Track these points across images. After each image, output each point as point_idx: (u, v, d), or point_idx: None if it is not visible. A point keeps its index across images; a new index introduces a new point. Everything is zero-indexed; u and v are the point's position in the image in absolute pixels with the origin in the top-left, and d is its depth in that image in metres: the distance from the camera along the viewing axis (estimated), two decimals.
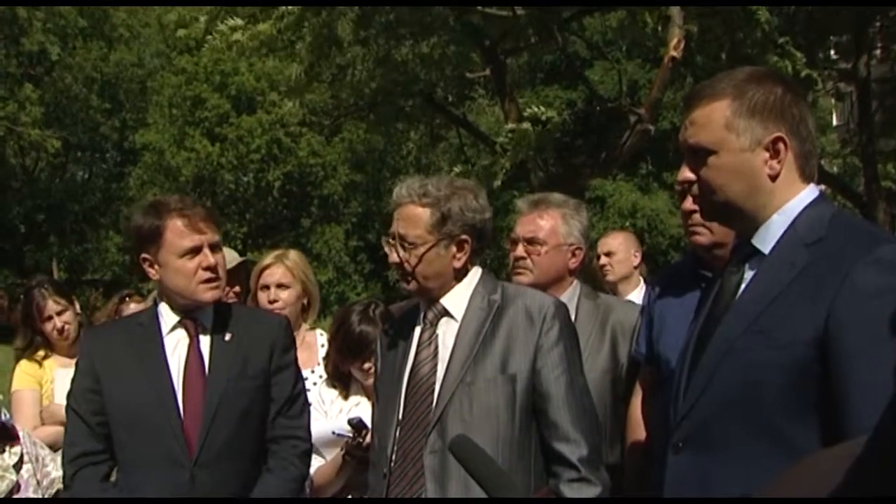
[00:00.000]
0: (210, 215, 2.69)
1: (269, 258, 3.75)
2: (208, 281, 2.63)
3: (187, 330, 2.67)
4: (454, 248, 2.43)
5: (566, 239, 3.06)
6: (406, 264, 2.43)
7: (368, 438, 3.14)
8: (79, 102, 23.51)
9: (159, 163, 23.10)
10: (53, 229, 22.97)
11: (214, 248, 2.65)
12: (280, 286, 3.67)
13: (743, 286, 1.82)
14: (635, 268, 4.94)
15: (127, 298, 5.14)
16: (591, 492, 2.32)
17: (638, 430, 2.82)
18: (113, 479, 2.68)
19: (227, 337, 2.67)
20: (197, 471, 2.55)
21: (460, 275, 2.47)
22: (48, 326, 4.08)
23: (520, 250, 3.06)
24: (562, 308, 2.47)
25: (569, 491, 2.31)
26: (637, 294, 4.71)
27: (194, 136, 22.69)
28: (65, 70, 23.02)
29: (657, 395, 2.62)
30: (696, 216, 2.28)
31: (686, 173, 1.85)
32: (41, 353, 4.11)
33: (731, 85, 1.81)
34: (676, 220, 22.43)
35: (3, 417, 4.02)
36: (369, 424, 3.15)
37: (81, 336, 3.73)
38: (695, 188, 1.86)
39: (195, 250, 2.61)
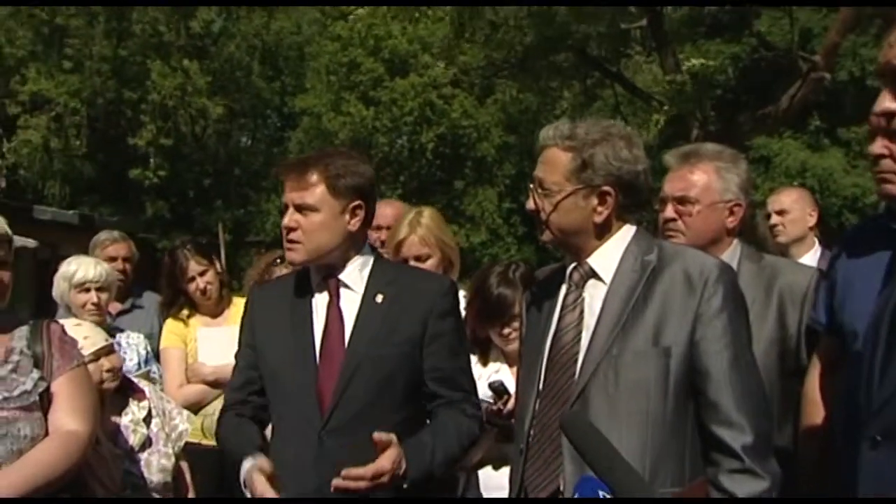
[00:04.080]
0: (301, 175, 2.49)
1: (403, 230, 3.57)
2: (285, 241, 2.52)
3: (328, 290, 2.55)
4: (595, 200, 2.17)
5: (722, 195, 2.72)
6: (541, 212, 2.20)
7: (510, 404, 2.95)
8: (242, 70, 24.46)
9: (317, 127, 23.72)
10: (219, 193, 24.10)
11: (300, 209, 2.49)
12: (418, 258, 3.52)
13: None
14: (810, 228, 4.49)
15: (279, 261, 5.14)
16: (757, 486, 2.02)
17: (815, 411, 2.44)
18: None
19: (379, 299, 2.51)
20: (325, 436, 2.42)
21: (603, 231, 2.20)
22: (191, 287, 4.15)
23: (669, 211, 2.74)
24: (727, 272, 2.16)
25: (730, 483, 2.02)
26: (811, 257, 4.31)
27: (350, 100, 23.08)
28: (228, 39, 23.97)
29: (839, 372, 2.26)
30: (887, 162, 1.90)
31: (887, 102, 1.49)
32: (185, 312, 4.19)
33: None
34: (852, 178, 20.89)
35: (155, 371, 4.10)
36: (512, 390, 2.95)
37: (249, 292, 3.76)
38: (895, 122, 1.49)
39: (286, 208, 2.54)
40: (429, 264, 3.52)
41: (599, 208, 2.17)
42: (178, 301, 4.18)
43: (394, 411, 2.47)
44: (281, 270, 4.92)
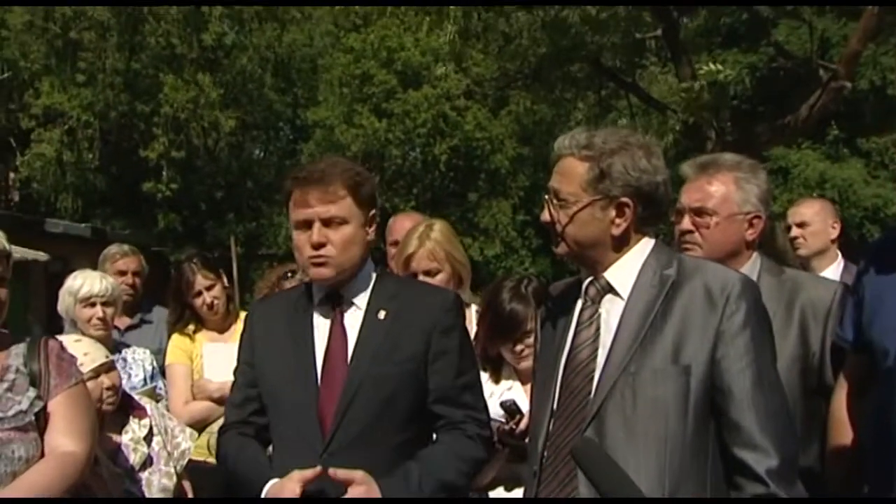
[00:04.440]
0: (327, 188, 2.37)
1: (412, 243, 3.47)
2: (312, 258, 2.39)
3: (331, 306, 2.46)
4: (612, 212, 2.08)
5: (741, 207, 2.63)
6: (557, 224, 2.11)
7: (523, 424, 2.85)
8: (254, 82, 24.48)
9: (330, 139, 23.70)
10: (232, 206, 24.08)
11: (329, 222, 2.37)
12: (428, 273, 3.42)
13: None
14: (833, 241, 4.38)
15: (290, 274, 5.06)
16: None
17: (843, 431, 2.34)
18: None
19: (382, 315, 2.42)
20: (327, 458, 2.33)
21: (620, 244, 2.11)
22: (198, 301, 4.09)
23: (686, 223, 2.65)
24: (750, 287, 2.07)
25: None
26: (834, 271, 4.20)
27: (362, 112, 23.03)
28: (241, 52, 24.01)
29: (868, 392, 2.16)
30: None
31: None
32: (191, 327, 4.13)
33: None
34: (872, 189, 20.67)
35: (160, 387, 4.03)
36: (524, 409, 2.86)
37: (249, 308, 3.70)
38: None
39: (306, 224, 2.39)
40: (438, 279, 3.42)
41: (617, 220, 2.08)
42: (185, 316, 4.10)
43: (396, 432, 2.39)
44: (291, 284, 4.86)
